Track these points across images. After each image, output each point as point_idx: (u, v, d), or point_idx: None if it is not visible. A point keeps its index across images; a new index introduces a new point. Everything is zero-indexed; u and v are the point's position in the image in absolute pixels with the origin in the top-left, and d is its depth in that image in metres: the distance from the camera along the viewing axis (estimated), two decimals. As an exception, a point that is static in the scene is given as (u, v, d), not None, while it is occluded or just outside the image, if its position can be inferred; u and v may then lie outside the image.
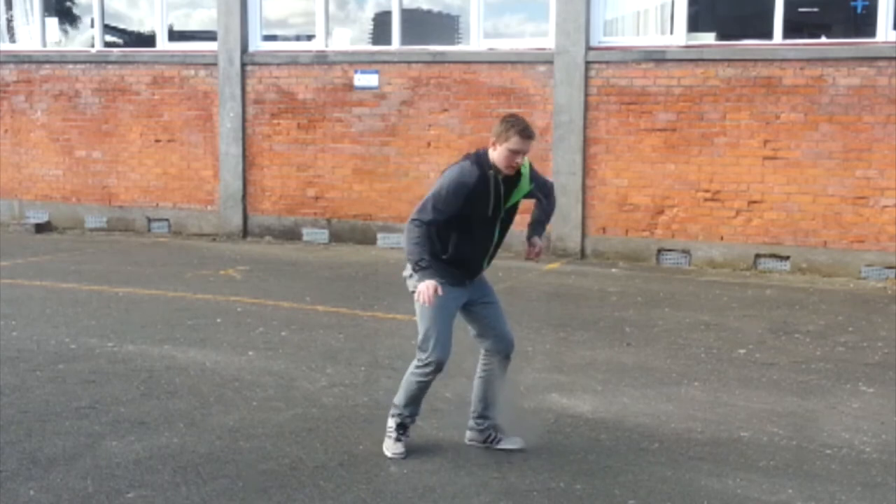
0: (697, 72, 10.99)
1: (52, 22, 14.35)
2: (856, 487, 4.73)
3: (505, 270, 9.84)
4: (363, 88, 12.44)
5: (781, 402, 6.09)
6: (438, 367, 4.90)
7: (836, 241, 10.62)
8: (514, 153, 4.78)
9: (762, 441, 5.36)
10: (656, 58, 11.14)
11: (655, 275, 10.65)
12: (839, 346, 7.57)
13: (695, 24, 11.34)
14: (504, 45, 11.99)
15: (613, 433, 5.46)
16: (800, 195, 10.71)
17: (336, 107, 12.60)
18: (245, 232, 13.18)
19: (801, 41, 10.83)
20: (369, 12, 13.20)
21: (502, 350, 5.09)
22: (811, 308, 9.02)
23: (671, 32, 11.32)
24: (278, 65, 12.86)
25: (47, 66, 14.02)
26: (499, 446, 5.14)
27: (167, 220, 13.62)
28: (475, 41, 12.11)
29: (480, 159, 4.88)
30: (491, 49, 11.99)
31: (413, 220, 4.82)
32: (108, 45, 14.05)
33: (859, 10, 10.88)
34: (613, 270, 10.89)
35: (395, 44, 12.48)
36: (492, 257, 5.06)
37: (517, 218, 5.12)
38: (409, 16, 12.62)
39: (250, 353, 7.10)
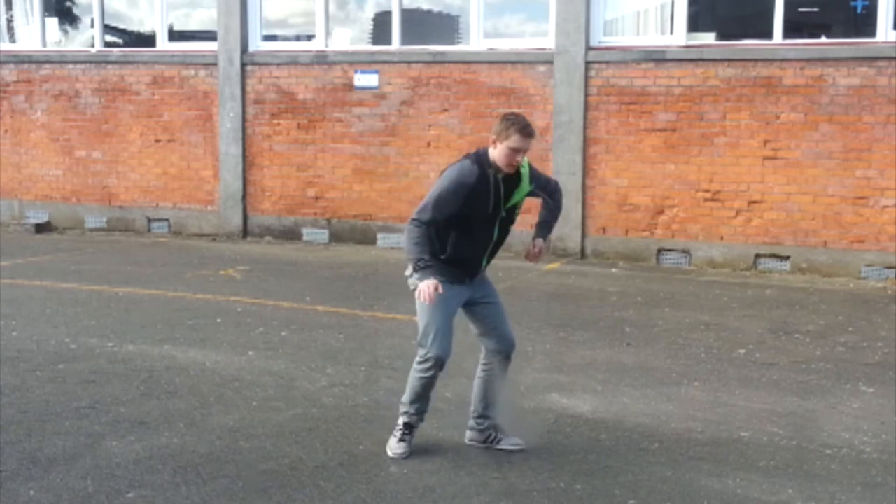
0: (697, 72, 10.99)
1: (52, 22, 14.35)
2: (856, 487, 4.73)
3: (505, 270, 9.83)
4: (363, 88, 12.44)
5: (781, 402, 6.09)
6: (438, 362, 4.90)
7: (836, 241, 10.62)
8: (515, 151, 4.79)
9: (762, 441, 5.36)
10: (656, 58, 11.14)
11: (655, 275, 10.65)
12: (839, 346, 7.57)
13: (695, 24, 11.34)
14: (504, 45, 11.99)
15: (613, 433, 5.46)
16: (800, 195, 10.71)
17: (336, 107, 12.61)
18: (245, 232, 13.18)
19: (801, 41, 10.83)
20: (369, 12, 13.20)
21: (503, 350, 5.09)
22: (811, 308, 9.02)
23: (671, 32, 11.32)
24: (278, 65, 12.86)
25: (47, 66, 14.02)
26: (499, 446, 5.14)
27: (167, 220, 13.62)
28: (475, 41, 12.11)
29: (480, 158, 4.88)
30: (491, 49, 11.99)
31: (412, 220, 4.83)
32: (108, 45, 14.05)
33: (859, 10, 10.88)
34: (613, 270, 10.89)
35: (395, 44, 12.48)
36: (492, 256, 5.07)
37: (518, 218, 5.12)
38: (409, 16, 12.62)
39: (250, 353, 7.10)
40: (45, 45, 14.25)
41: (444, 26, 12.86)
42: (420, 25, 12.67)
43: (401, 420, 5.08)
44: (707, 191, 11.06)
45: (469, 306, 5.06)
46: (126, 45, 14.32)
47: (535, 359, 6.96)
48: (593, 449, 5.20)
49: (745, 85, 10.80)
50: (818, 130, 10.59)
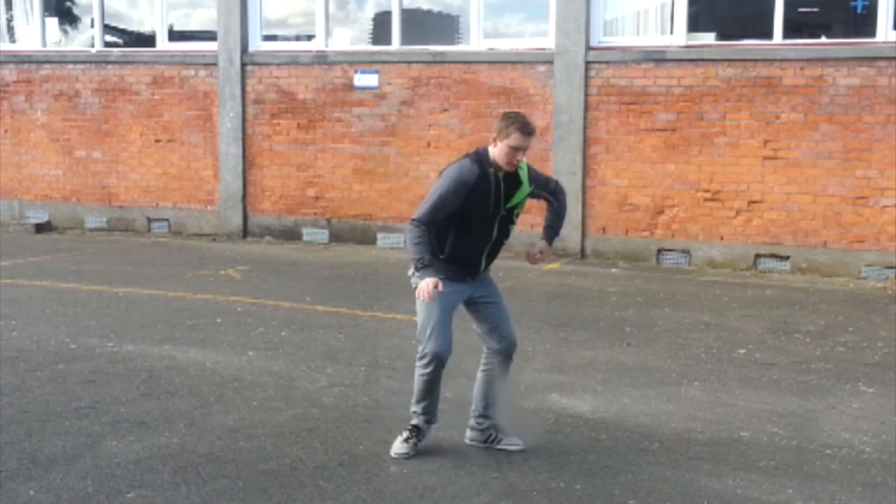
0: (697, 72, 10.99)
1: (52, 22, 14.35)
2: (856, 487, 4.73)
3: (505, 270, 9.83)
4: (363, 88, 12.44)
5: (781, 402, 6.09)
6: (435, 359, 4.90)
7: (836, 241, 10.62)
8: (515, 149, 4.79)
9: (762, 441, 5.36)
10: (656, 58, 11.14)
11: (655, 275, 10.65)
12: (839, 346, 7.57)
13: (695, 24, 11.34)
14: (504, 45, 11.99)
15: (613, 433, 5.46)
16: (800, 195, 10.71)
17: (336, 107, 12.61)
18: (245, 232, 13.18)
19: (801, 41, 10.83)
20: (369, 12, 13.20)
21: (504, 350, 5.10)
22: (811, 308, 9.02)
23: (671, 32, 11.32)
24: (278, 65, 12.86)
25: (47, 66, 14.02)
26: (499, 446, 5.14)
27: (167, 220, 13.62)
28: (475, 41, 12.11)
29: (480, 157, 4.88)
30: (491, 49, 11.99)
31: (412, 220, 4.85)
32: (108, 45, 14.05)
33: (859, 10, 10.88)
34: (613, 270, 10.89)
35: (395, 44, 12.48)
36: (492, 256, 5.06)
37: (518, 218, 5.12)
38: (409, 16, 12.62)
39: (250, 353, 7.10)
40: (45, 45, 14.26)
41: (444, 26, 12.86)
42: (420, 25, 12.67)
43: (412, 422, 5.09)
44: (707, 191, 11.06)
45: (471, 305, 5.07)
46: (126, 45, 14.32)
47: (535, 359, 6.96)
48: (593, 449, 5.20)
49: (745, 85, 10.80)
50: (818, 130, 10.59)
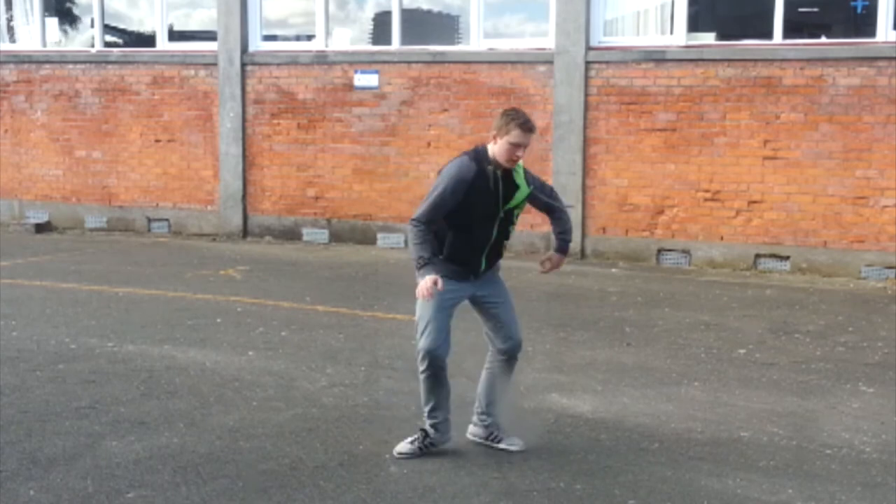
0: (697, 72, 10.99)
1: (52, 22, 14.35)
2: (856, 487, 4.73)
3: (505, 270, 9.74)
4: (363, 88, 12.44)
5: (781, 402, 6.09)
6: (430, 356, 4.89)
7: (836, 241, 10.62)
8: (515, 146, 4.78)
9: (762, 441, 5.36)
10: (656, 58, 11.14)
11: (655, 275, 10.65)
12: (839, 346, 7.57)
13: (695, 24, 11.34)
14: (504, 45, 11.99)
15: (613, 433, 5.46)
16: (800, 195, 10.71)
17: (336, 107, 12.61)
18: (245, 232, 13.18)
19: (801, 41, 10.83)
20: (369, 12, 13.20)
21: (507, 350, 5.10)
22: (811, 308, 9.02)
23: (671, 32, 11.32)
24: (278, 65, 12.86)
25: (47, 66, 14.02)
26: (499, 445, 5.14)
27: (167, 220, 13.62)
28: (475, 41, 12.11)
29: (479, 155, 4.89)
30: (491, 49, 11.99)
31: (412, 219, 4.86)
32: (108, 45, 14.05)
33: (859, 10, 10.87)
34: (613, 270, 10.89)
35: (395, 44, 12.48)
36: (493, 256, 5.04)
37: (518, 218, 5.12)
38: (409, 16, 12.62)
39: (250, 353, 7.10)
40: (45, 45, 14.25)
41: (444, 26, 12.86)
42: (420, 25, 12.67)
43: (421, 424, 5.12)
44: (707, 191, 11.06)
45: (476, 304, 5.08)
46: (126, 45, 14.32)
47: (535, 359, 6.96)
48: (593, 449, 5.20)
49: (745, 85, 10.80)
50: (818, 130, 10.59)
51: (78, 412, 5.67)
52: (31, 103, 14.13)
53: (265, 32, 13.18)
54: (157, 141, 13.52)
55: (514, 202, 4.95)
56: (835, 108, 10.50)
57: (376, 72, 12.35)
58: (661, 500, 4.55)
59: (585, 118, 11.41)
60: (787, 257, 10.80)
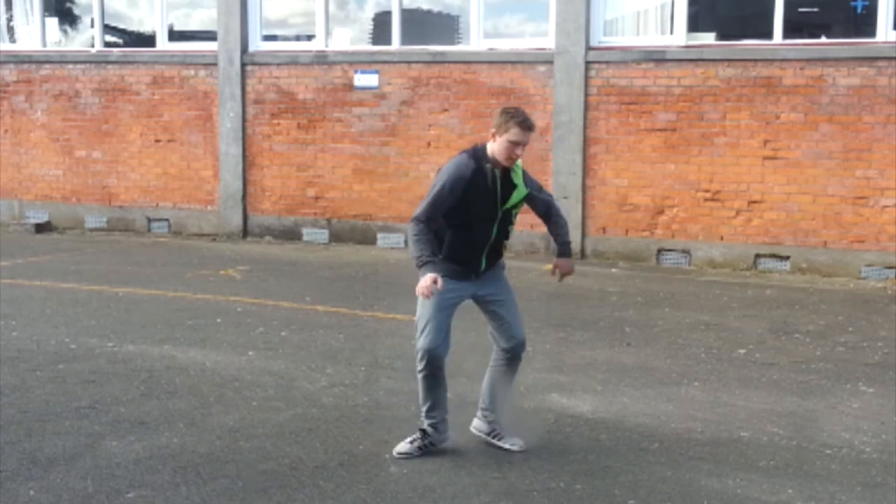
0: (697, 72, 10.99)
1: (52, 22, 14.35)
2: (856, 487, 4.73)
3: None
4: (363, 88, 12.44)
5: (781, 402, 6.09)
6: (428, 356, 4.89)
7: (836, 241, 10.62)
8: (514, 144, 4.78)
9: (762, 441, 5.36)
10: (656, 58, 11.14)
11: (655, 275, 10.65)
12: (839, 346, 7.57)
13: (695, 24, 11.34)
14: (504, 45, 12.00)
15: (613, 433, 5.46)
16: (800, 195, 10.71)
17: (336, 107, 12.61)
18: (245, 232, 13.18)
19: (801, 41, 10.83)
20: (369, 12, 13.20)
21: (510, 349, 5.09)
22: (811, 308, 9.02)
23: (671, 32, 11.32)
24: (278, 65, 12.86)
25: (47, 66, 14.02)
26: (500, 443, 5.15)
27: (167, 220, 13.62)
28: (475, 41, 12.11)
29: (477, 153, 4.89)
30: (491, 49, 11.99)
31: (412, 218, 4.86)
32: (108, 45, 14.05)
33: (859, 10, 10.87)
34: (613, 270, 10.89)
35: (395, 44, 12.48)
36: (494, 255, 5.04)
37: (518, 218, 5.12)
38: (409, 16, 12.62)
39: (250, 353, 7.10)
40: (45, 45, 14.25)
41: (444, 26, 12.86)
42: (420, 25, 12.67)
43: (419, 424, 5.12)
44: (707, 191, 11.06)
45: (478, 303, 5.09)
46: (126, 45, 14.32)
47: (535, 359, 6.96)
48: (593, 449, 5.20)
49: (745, 85, 10.80)
50: (818, 130, 10.59)
51: (78, 412, 5.68)
52: (31, 103, 14.13)
53: (265, 32, 13.18)
54: (157, 141, 13.52)
55: (511, 202, 4.95)
56: (835, 108, 10.51)
57: (376, 72, 12.35)
58: (661, 500, 4.55)
59: (585, 118, 11.41)
60: (787, 257, 10.80)
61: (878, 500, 4.61)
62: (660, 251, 11.34)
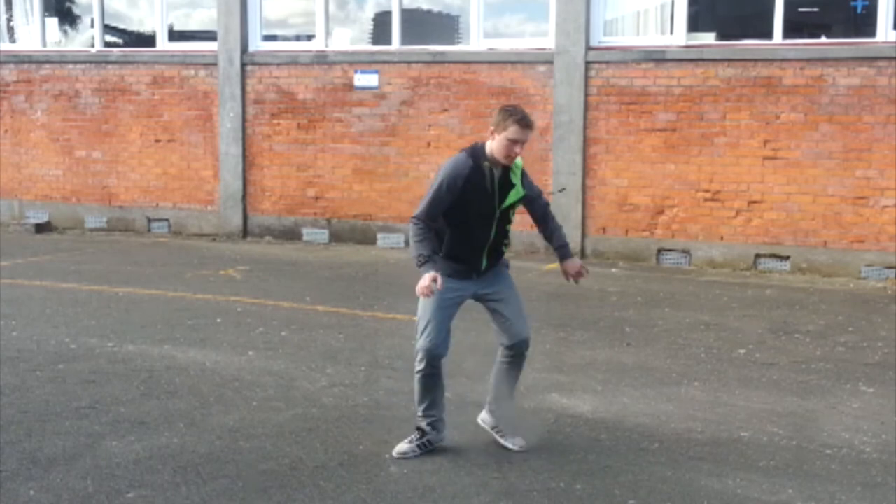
0: (697, 72, 10.99)
1: (52, 22, 14.35)
2: (856, 487, 4.73)
3: (505, 270, 9.82)
4: (363, 88, 12.44)
5: (781, 402, 6.09)
6: (427, 356, 4.90)
7: (836, 241, 10.62)
8: (513, 142, 4.78)
9: (762, 441, 5.36)
10: (656, 58, 11.14)
11: (655, 275, 10.65)
12: (839, 346, 7.57)
13: (695, 24, 11.34)
14: (504, 45, 12.00)
15: (613, 433, 5.46)
16: (800, 195, 10.71)
17: (336, 107, 12.61)
18: (245, 232, 13.18)
19: (801, 41, 10.83)
20: (369, 12, 13.20)
21: (513, 347, 5.09)
22: (811, 308, 9.02)
23: (671, 32, 11.32)
24: (278, 65, 12.86)
25: (47, 66, 14.02)
26: (502, 440, 5.16)
27: (167, 220, 13.62)
28: (475, 41, 12.11)
29: (476, 151, 4.89)
30: (491, 49, 11.99)
31: (412, 218, 4.87)
32: (108, 45, 14.05)
33: (859, 10, 10.87)
34: (613, 270, 10.89)
35: (395, 44, 12.48)
36: (494, 255, 5.04)
37: (517, 218, 5.12)
38: (409, 16, 12.62)
39: (250, 353, 7.10)
40: (45, 45, 14.25)
41: (444, 26, 12.86)
42: (420, 25, 12.67)
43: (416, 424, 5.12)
44: (707, 191, 11.06)
45: (481, 302, 5.09)
46: (126, 45, 14.32)
47: (535, 359, 6.94)
48: (593, 449, 5.20)
49: (745, 85, 10.80)
50: (818, 130, 10.59)
51: (78, 412, 5.67)
52: (31, 103, 14.13)
53: (265, 32, 13.18)
54: (157, 141, 13.52)
55: (507, 201, 4.93)
56: (835, 108, 10.51)
57: (376, 72, 12.35)
58: (661, 500, 4.55)
59: (585, 118, 11.41)
60: (787, 257, 10.80)
61: (878, 500, 4.61)
62: (660, 251, 11.34)
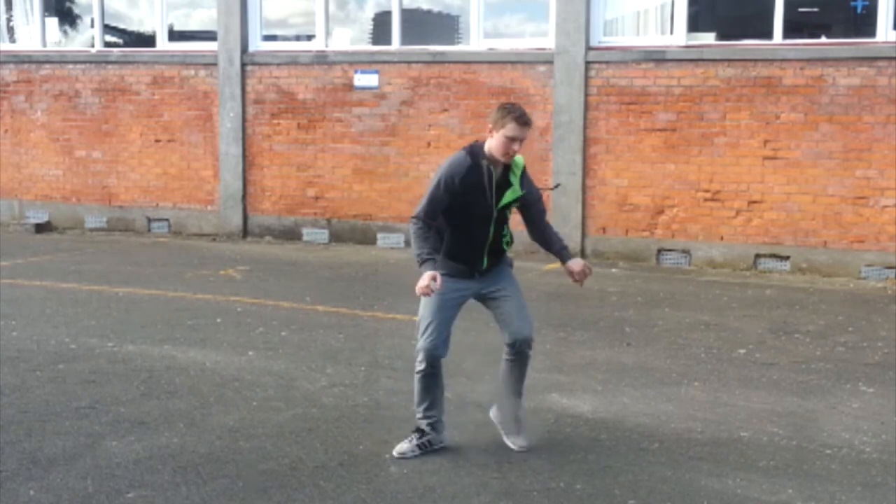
0: (697, 72, 10.99)
1: (52, 22, 14.35)
2: (856, 487, 4.73)
3: (505, 270, 9.82)
4: (363, 88, 12.44)
5: (781, 402, 6.09)
6: (426, 356, 4.90)
7: (836, 241, 10.62)
8: (511, 140, 4.77)
9: (762, 441, 5.36)
10: (656, 58, 11.14)
11: (655, 275, 10.65)
12: (839, 346, 7.57)
13: (695, 24, 11.34)
14: (504, 45, 12.00)
15: (613, 433, 5.46)
16: (800, 195, 10.71)
17: (336, 107, 12.61)
18: (245, 232, 13.18)
19: (801, 41, 10.83)
20: (369, 12, 13.20)
21: (514, 344, 5.08)
22: (811, 308, 9.02)
23: (671, 32, 11.32)
24: (278, 65, 12.86)
25: (47, 66, 14.02)
26: (505, 438, 5.17)
27: (167, 220, 13.62)
28: (475, 41, 12.11)
29: (474, 150, 4.89)
30: (491, 49, 11.99)
31: (412, 216, 4.87)
32: (108, 45, 14.05)
33: (859, 10, 10.88)
34: (613, 270, 10.89)
35: (395, 44, 12.48)
36: (494, 253, 5.03)
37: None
38: (409, 16, 12.62)
39: (250, 353, 7.10)
40: (45, 45, 14.26)
41: (444, 26, 12.86)
42: (420, 25, 12.67)
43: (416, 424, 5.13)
44: (707, 191, 11.06)
45: (483, 300, 5.09)
46: (126, 45, 14.32)
47: (535, 359, 6.91)
48: (593, 449, 5.20)
49: (745, 85, 10.80)
50: (818, 130, 10.59)
51: (78, 412, 5.67)
52: (31, 103, 14.13)
53: (265, 32, 13.19)
54: (157, 141, 13.52)
55: (504, 201, 4.92)
56: (835, 108, 10.51)
57: (376, 72, 12.36)
58: (661, 500, 4.55)
59: (585, 118, 11.41)
60: (787, 257, 10.80)
61: (878, 500, 4.61)
62: (660, 251, 11.34)
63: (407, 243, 11.72)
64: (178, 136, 13.42)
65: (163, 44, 13.58)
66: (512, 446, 5.12)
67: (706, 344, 7.56)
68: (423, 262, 4.76)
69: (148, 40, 13.85)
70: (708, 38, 11.30)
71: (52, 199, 14.19)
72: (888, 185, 10.36)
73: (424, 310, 4.92)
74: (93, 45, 14.01)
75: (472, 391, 6.07)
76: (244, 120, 12.99)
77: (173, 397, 6.00)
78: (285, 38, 13.51)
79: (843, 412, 5.90)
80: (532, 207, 5.10)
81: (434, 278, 4.71)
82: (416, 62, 12.21)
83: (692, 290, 9.81)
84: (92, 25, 14.01)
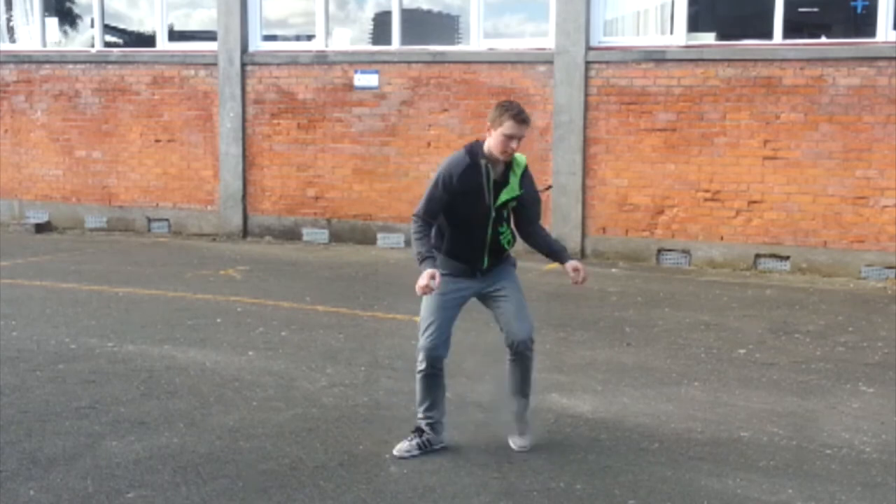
0: (697, 72, 10.99)
1: (52, 22, 14.35)
2: (856, 487, 4.73)
3: (505, 270, 9.81)
4: (363, 88, 12.44)
5: (781, 402, 6.09)
6: (426, 356, 4.90)
7: (836, 241, 10.62)
8: (509, 138, 4.76)
9: (762, 441, 5.36)
10: (656, 58, 11.14)
11: (655, 275, 10.65)
12: (839, 346, 7.57)
13: (695, 24, 11.34)
14: (504, 45, 12.00)
15: (613, 433, 5.46)
16: (800, 195, 10.71)
17: (336, 107, 12.61)
18: (245, 232, 13.18)
19: (801, 41, 10.83)
20: (369, 12, 13.20)
21: (512, 345, 5.07)
22: (811, 308, 9.02)
23: (671, 32, 11.33)
24: (278, 65, 12.86)
25: (47, 66, 14.02)
26: (508, 437, 5.17)
27: (167, 220, 13.62)
28: (475, 41, 12.11)
29: (473, 148, 4.89)
30: (491, 49, 11.99)
31: (412, 215, 4.87)
32: (108, 45, 14.05)
33: (859, 10, 10.88)
34: (613, 270, 10.89)
35: (395, 44, 12.48)
36: (494, 252, 5.02)
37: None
38: (409, 16, 12.62)
39: (250, 353, 7.10)
40: (45, 45, 14.26)
41: (444, 26, 12.86)
42: (420, 25, 12.67)
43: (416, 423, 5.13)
44: (707, 191, 11.06)
45: (483, 299, 5.09)
46: (126, 45, 14.32)
47: (536, 359, 6.95)
48: (593, 449, 5.20)
49: (745, 85, 10.81)
50: (818, 130, 10.59)
51: (78, 412, 5.67)
52: (31, 103, 14.14)
53: (265, 32, 13.19)
54: (157, 141, 13.52)
55: (501, 199, 4.91)
56: (835, 108, 10.51)
57: (376, 72, 12.36)
58: (661, 500, 4.55)
59: (585, 118, 11.41)
60: (787, 257, 10.80)
61: (878, 500, 4.61)
62: (660, 251, 11.34)
63: (407, 243, 11.73)
64: (178, 136, 13.42)
65: (163, 44, 13.58)
66: (513, 446, 5.13)
67: (706, 344, 7.56)
68: (422, 261, 4.76)
69: (148, 40, 13.85)
70: (708, 38, 11.30)
71: (52, 199, 14.20)
72: (888, 185, 10.36)
73: (426, 310, 4.92)
74: (93, 45, 14.01)
75: (472, 391, 6.07)
76: (244, 120, 12.99)
77: (173, 397, 6.00)
78: (285, 38, 13.51)
79: (843, 412, 5.90)
80: (528, 209, 5.07)
81: (433, 276, 4.71)
82: (416, 62, 12.21)
83: (692, 290, 9.81)
84: (92, 25, 14.01)
